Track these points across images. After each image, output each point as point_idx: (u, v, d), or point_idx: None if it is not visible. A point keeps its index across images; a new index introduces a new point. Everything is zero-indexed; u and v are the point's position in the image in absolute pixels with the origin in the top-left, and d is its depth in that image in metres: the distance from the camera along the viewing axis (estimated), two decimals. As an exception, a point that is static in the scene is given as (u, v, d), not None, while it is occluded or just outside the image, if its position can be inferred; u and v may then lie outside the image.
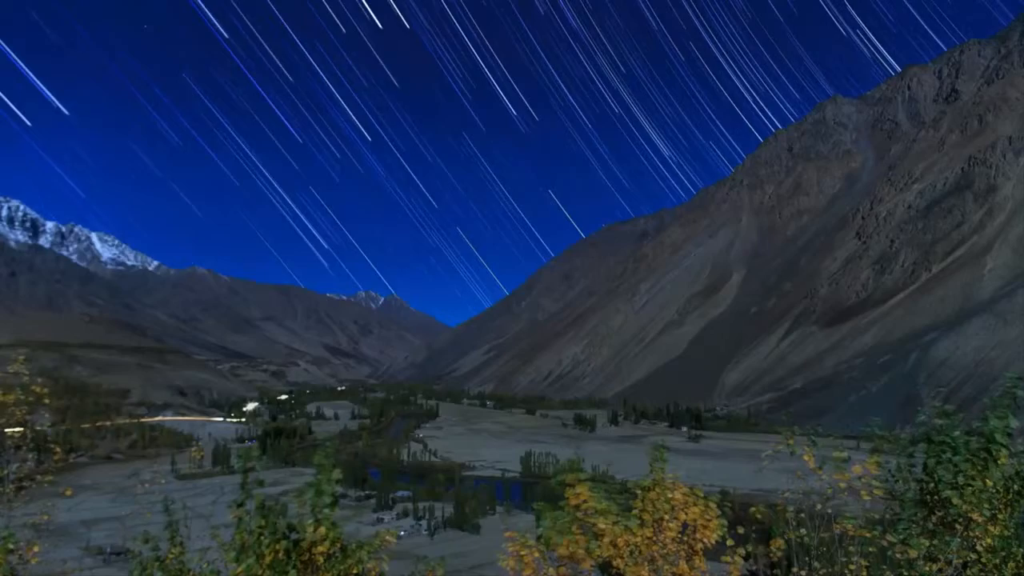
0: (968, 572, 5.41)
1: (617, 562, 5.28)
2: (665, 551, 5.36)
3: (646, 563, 5.29)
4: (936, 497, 5.57)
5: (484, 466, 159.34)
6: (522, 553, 5.37)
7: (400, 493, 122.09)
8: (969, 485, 5.42)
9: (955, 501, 5.44)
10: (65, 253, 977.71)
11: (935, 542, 5.48)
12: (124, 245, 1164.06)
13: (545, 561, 5.37)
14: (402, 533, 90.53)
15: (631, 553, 5.30)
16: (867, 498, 5.89)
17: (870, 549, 5.90)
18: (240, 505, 5.07)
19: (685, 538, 5.43)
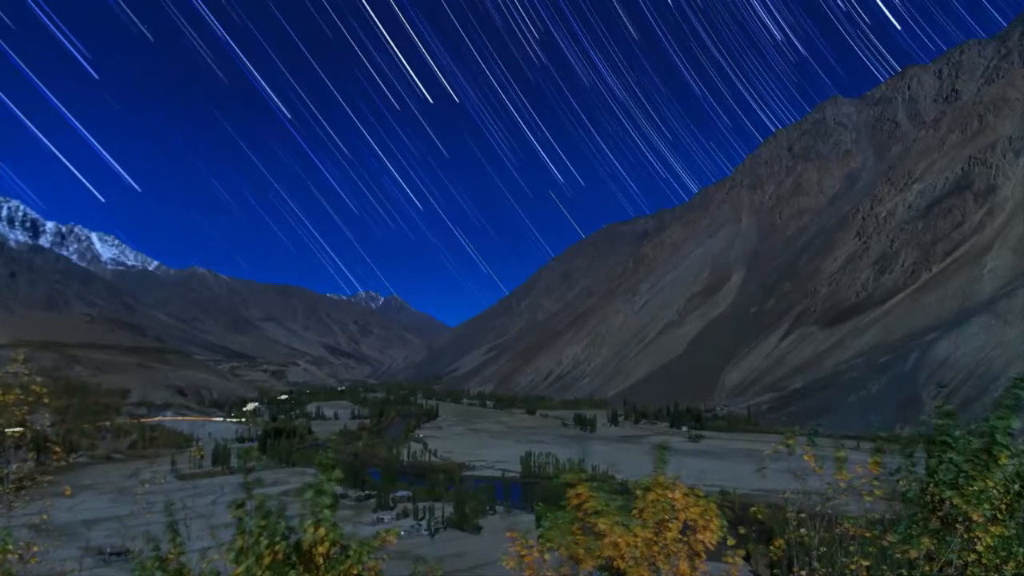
0: (969, 572, 5.41)
1: (618, 563, 5.27)
2: (666, 551, 5.36)
3: (647, 564, 5.28)
4: (937, 497, 5.57)
5: (484, 466, 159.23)
6: (523, 553, 5.38)
7: (400, 493, 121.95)
8: (970, 485, 5.42)
9: (956, 501, 5.44)
10: (65, 253, 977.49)
11: (935, 542, 5.48)
12: (124, 245, 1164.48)
13: (546, 561, 5.37)
14: (402, 533, 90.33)
15: (632, 554, 5.30)
16: (868, 499, 5.90)
17: (870, 549, 5.91)
18: (240, 506, 5.05)
19: (686, 538, 5.44)
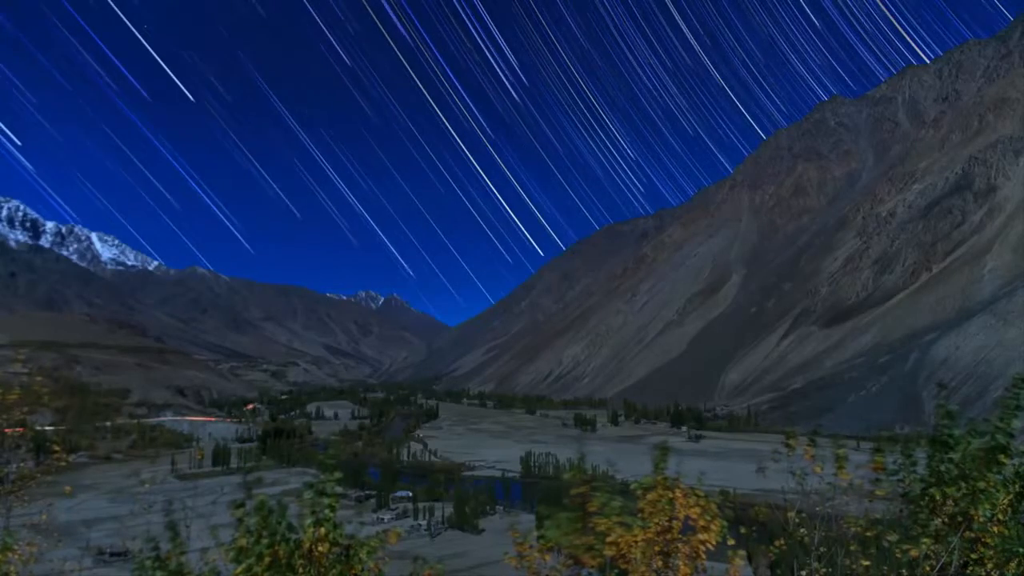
0: (970, 572, 5.41)
1: (619, 562, 5.28)
2: (667, 551, 5.38)
3: (648, 563, 5.29)
4: (938, 497, 5.57)
5: (484, 466, 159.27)
6: (524, 552, 5.40)
7: (400, 493, 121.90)
8: (971, 485, 5.43)
9: (957, 501, 5.45)
10: (65, 253, 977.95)
11: (937, 542, 5.49)
12: (124, 245, 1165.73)
13: (547, 561, 5.38)
14: (403, 534, 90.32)
15: (633, 554, 5.31)
16: (869, 501, 5.90)
17: (871, 550, 5.91)
18: (240, 505, 5.04)
19: (687, 539, 5.46)
